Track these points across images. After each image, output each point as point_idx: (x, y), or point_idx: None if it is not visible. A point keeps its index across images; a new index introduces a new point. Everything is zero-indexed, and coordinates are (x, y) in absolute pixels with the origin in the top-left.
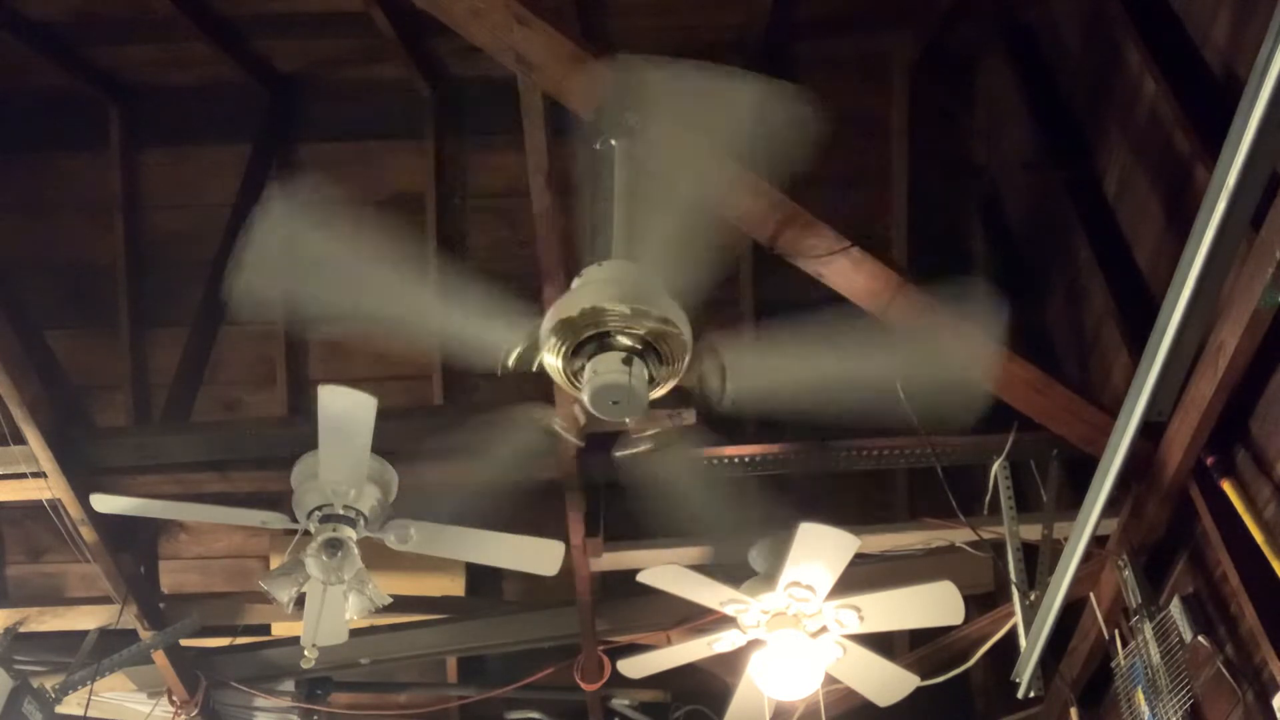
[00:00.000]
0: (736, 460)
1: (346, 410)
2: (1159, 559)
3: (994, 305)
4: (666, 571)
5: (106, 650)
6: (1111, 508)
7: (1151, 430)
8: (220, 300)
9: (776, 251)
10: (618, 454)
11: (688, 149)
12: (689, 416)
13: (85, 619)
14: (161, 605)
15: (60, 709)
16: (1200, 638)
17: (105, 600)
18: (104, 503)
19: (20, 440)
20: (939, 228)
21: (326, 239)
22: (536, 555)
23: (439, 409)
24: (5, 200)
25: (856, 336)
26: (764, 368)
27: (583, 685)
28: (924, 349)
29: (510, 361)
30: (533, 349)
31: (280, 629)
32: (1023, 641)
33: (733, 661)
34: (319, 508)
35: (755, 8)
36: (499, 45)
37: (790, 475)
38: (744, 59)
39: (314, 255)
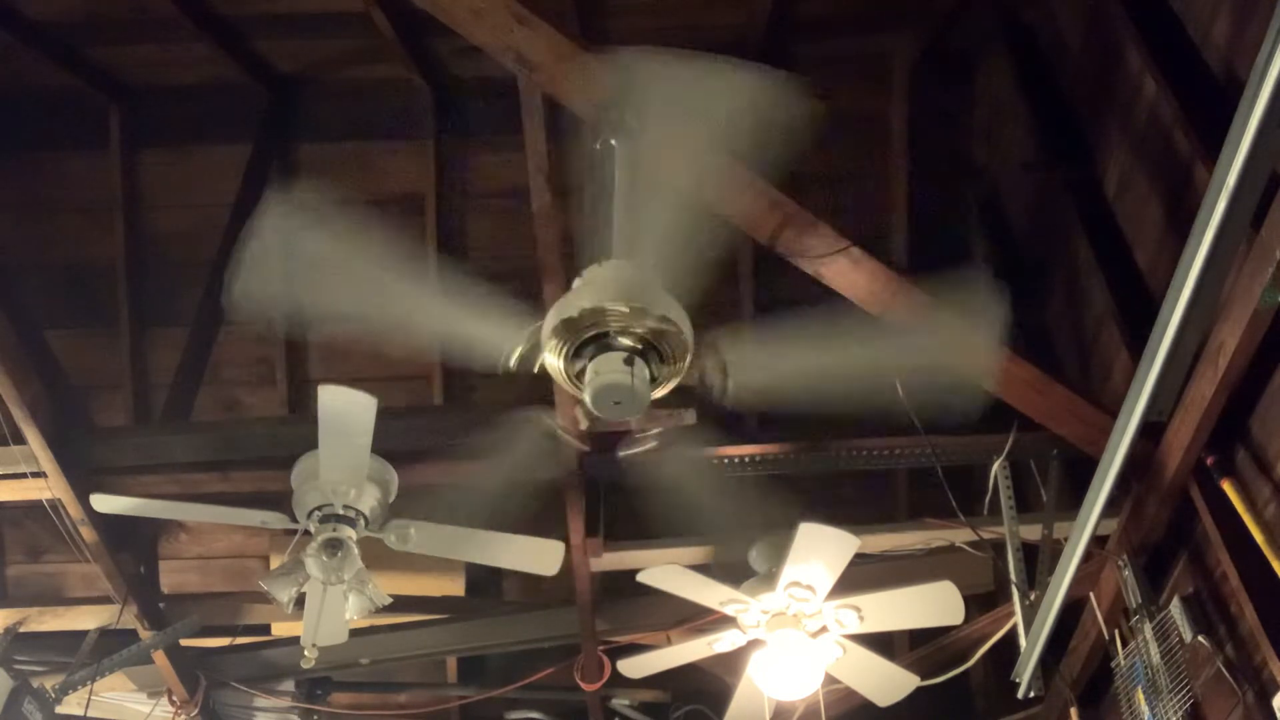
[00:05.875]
0: (737, 460)
1: (346, 410)
2: (1159, 559)
3: (994, 303)
4: (666, 571)
5: (106, 650)
6: (1111, 508)
7: (1151, 430)
8: (220, 301)
9: (776, 251)
10: (620, 454)
11: (688, 147)
12: (690, 416)
13: (85, 619)
14: (161, 605)
15: (60, 709)
16: (1200, 638)
17: (105, 600)
18: (104, 503)
19: (20, 440)
20: (939, 227)
21: (326, 240)
22: (536, 555)
23: (439, 409)
24: (5, 200)
25: (856, 331)
26: (765, 364)
27: (583, 685)
28: (924, 343)
29: (511, 363)
30: (534, 350)
31: (280, 629)
32: (1023, 641)
33: (733, 661)
34: (319, 508)
35: (755, 8)
36: (499, 45)
37: (791, 475)
38: (744, 59)
39: (313, 257)
